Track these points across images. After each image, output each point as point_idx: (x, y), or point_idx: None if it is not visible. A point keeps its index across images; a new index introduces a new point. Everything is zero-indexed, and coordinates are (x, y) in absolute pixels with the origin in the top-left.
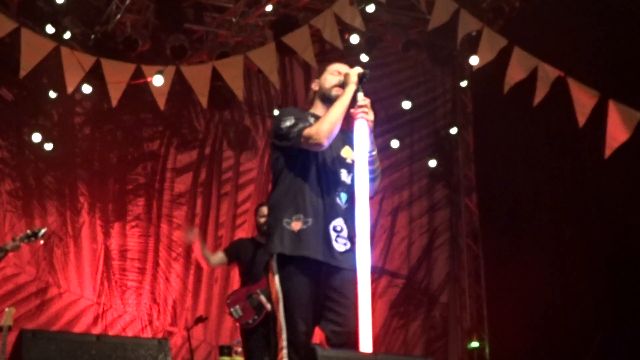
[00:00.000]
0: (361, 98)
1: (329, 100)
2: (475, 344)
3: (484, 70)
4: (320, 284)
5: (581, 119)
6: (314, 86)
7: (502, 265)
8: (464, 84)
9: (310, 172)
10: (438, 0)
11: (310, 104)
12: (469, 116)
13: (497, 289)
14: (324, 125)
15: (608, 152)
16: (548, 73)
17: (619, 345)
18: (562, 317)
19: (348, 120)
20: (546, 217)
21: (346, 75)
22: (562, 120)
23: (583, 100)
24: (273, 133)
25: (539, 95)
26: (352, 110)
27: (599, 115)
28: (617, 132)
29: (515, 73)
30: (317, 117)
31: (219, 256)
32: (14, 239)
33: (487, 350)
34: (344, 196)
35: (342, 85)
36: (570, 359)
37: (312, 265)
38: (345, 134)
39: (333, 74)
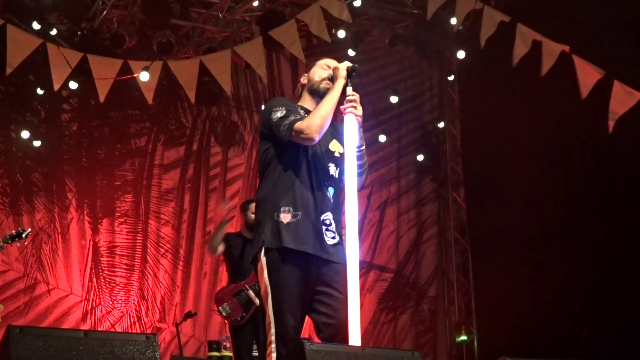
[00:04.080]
0: (350, 92)
1: (317, 94)
2: (463, 338)
3: (471, 64)
4: (311, 277)
5: (584, 91)
6: (303, 80)
7: (490, 259)
8: (451, 78)
9: (299, 165)
10: None
11: (298, 98)
12: (456, 110)
13: (485, 283)
14: (315, 120)
15: (611, 126)
16: (552, 47)
17: (607, 338)
18: (550, 309)
19: (337, 113)
20: (534, 211)
21: (335, 70)
22: (549, 114)
23: (587, 76)
24: (263, 123)
25: (545, 68)
26: (341, 106)
27: (592, 100)
28: (618, 109)
29: (519, 48)
30: (307, 111)
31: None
32: None
33: (475, 343)
34: (331, 190)
35: (332, 79)
36: (558, 352)
37: (301, 258)
38: (335, 128)
39: (322, 67)
